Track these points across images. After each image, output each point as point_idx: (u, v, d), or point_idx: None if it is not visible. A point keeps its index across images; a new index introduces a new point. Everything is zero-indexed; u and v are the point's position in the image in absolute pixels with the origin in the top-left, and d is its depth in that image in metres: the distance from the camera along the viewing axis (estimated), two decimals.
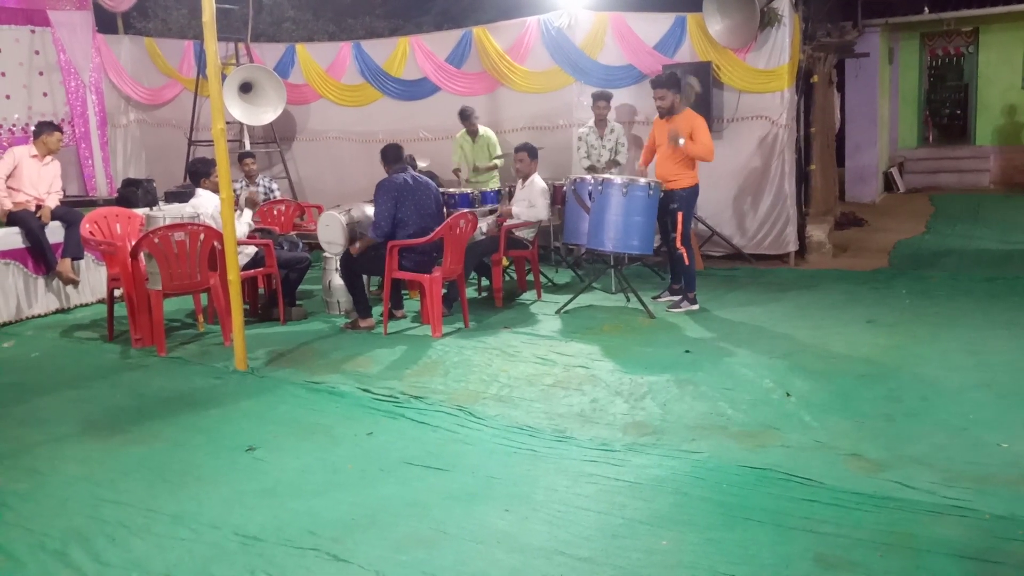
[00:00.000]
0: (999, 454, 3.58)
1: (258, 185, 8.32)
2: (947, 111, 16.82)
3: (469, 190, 7.60)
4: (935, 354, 5.04)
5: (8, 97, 9.50)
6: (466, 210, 6.51)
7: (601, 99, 7.96)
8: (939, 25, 13.35)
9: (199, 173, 6.38)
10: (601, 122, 8.00)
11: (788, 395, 4.42)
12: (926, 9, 12.65)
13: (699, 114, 6.48)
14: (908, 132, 14.88)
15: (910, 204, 12.21)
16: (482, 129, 8.70)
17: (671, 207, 6.36)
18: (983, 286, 6.84)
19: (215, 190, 6.21)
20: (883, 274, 7.53)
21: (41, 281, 7.11)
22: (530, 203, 7.01)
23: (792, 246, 8.07)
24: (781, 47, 7.73)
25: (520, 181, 7.19)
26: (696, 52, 8.04)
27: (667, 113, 6.41)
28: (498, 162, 8.57)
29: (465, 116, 8.58)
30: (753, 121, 7.97)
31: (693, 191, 6.47)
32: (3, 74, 9.49)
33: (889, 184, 13.68)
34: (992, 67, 14.02)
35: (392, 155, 6.16)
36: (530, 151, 7.05)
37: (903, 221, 10.58)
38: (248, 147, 9.78)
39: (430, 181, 6.26)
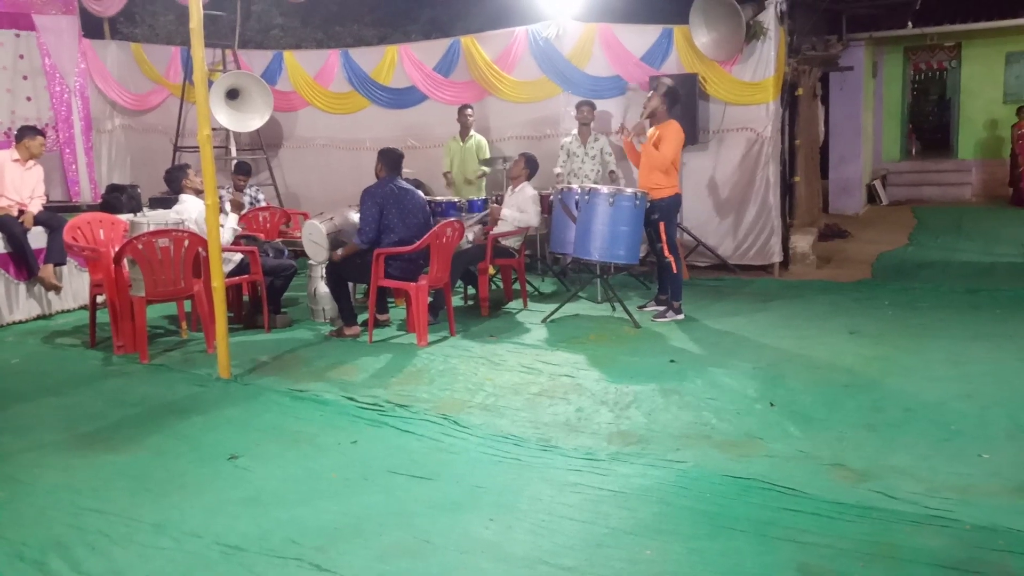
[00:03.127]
0: (981, 464, 3.61)
1: (244, 195, 8.29)
2: (930, 124, 17.03)
3: (456, 198, 7.61)
4: (918, 365, 5.07)
5: None
6: (453, 218, 6.51)
7: (585, 105, 7.99)
8: (922, 40, 13.52)
9: (176, 180, 6.34)
10: (584, 130, 8.01)
11: (772, 405, 4.43)
12: (910, 24, 12.80)
13: (681, 126, 6.50)
14: (891, 145, 15.04)
15: (893, 216, 12.33)
16: (474, 133, 8.71)
17: (652, 217, 6.39)
18: (965, 298, 6.90)
19: (197, 190, 6.18)
20: (866, 285, 7.59)
21: (23, 287, 7.04)
22: (519, 209, 7.02)
23: (776, 257, 8.13)
24: (767, 60, 7.80)
25: (510, 188, 7.20)
26: (683, 64, 8.10)
27: (649, 115, 6.46)
28: (485, 168, 8.57)
29: (462, 108, 8.64)
30: (738, 133, 8.03)
31: (674, 201, 6.50)
32: None
33: (872, 196, 13.80)
34: (974, 81, 14.21)
35: (391, 161, 6.12)
36: (528, 159, 7.07)
37: (886, 233, 10.67)
38: (234, 153, 9.75)
39: (416, 189, 6.26)
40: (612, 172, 8.01)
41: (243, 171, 8.31)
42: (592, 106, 8.00)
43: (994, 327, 5.89)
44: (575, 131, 8.10)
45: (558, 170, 8.07)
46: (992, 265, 8.32)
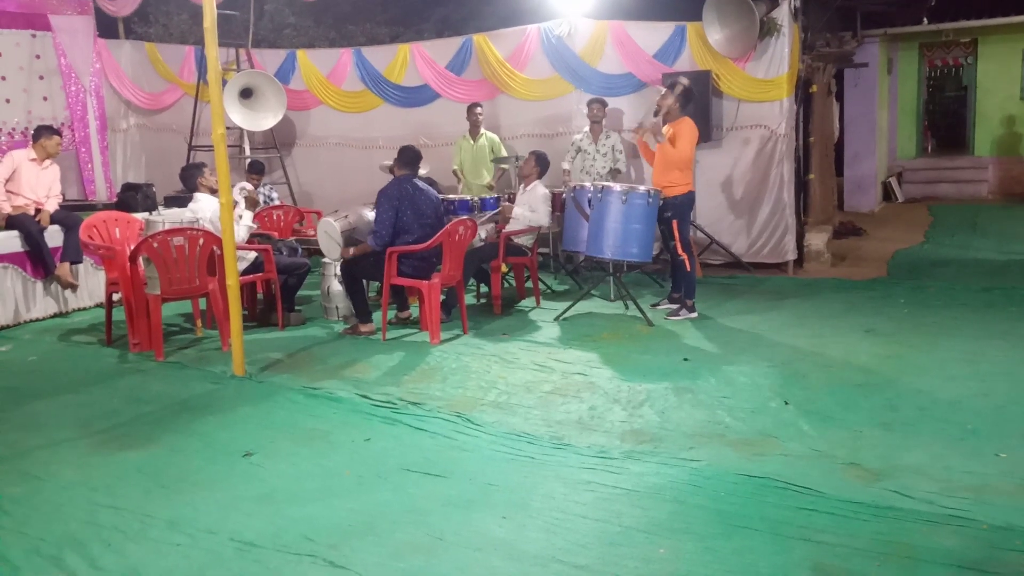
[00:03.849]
0: (997, 464, 3.58)
1: (259, 193, 8.33)
2: (946, 121, 16.88)
3: (469, 196, 7.61)
4: (933, 363, 5.04)
5: (8, 101, 9.49)
6: (465, 216, 6.52)
7: (595, 103, 7.96)
8: (938, 36, 13.41)
9: (191, 178, 6.38)
10: (596, 127, 8.00)
11: (786, 404, 4.41)
12: (925, 20, 12.70)
13: (695, 124, 6.48)
14: (907, 142, 14.92)
15: (908, 214, 12.24)
16: (485, 131, 8.72)
17: (665, 215, 6.38)
18: (981, 296, 6.84)
19: (212, 189, 6.22)
20: (881, 283, 7.54)
21: (39, 285, 7.11)
22: (531, 208, 7.01)
23: (791, 255, 8.08)
24: (780, 57, 7.76)
25: (522, 186, 7.20)
26: (696, 61, 8.07)
27: (659, 112, 6.45)
28: (504, 167, 8.55)
29: (471, 106, 8.65)
30: (752, 130, 7.99)
31: (688, 198, 6.48)
32: (3, 78, 9.47)
33: (888, 194, 13.71)
34: (990, 78, 14.07)
35: (408, 158, 6.15)
36: (538, 157, 7.06)
37: (901, 231, 10.60)
38: (248, 152, 9.79)
39: (430, 188, 6.27)
40: (618, 171, 7.97)
41: (256, 170, 8.36)
42: (603, 104, 7.98)
43: (1010, 326, 5.83)
44: (587, 128, 8.08)
45: (566, 166, 8.07)
46: (1008, 263, 8.24)
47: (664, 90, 6.54)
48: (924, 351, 5.30)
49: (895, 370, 4.93)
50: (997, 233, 10.04)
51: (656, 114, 6.56)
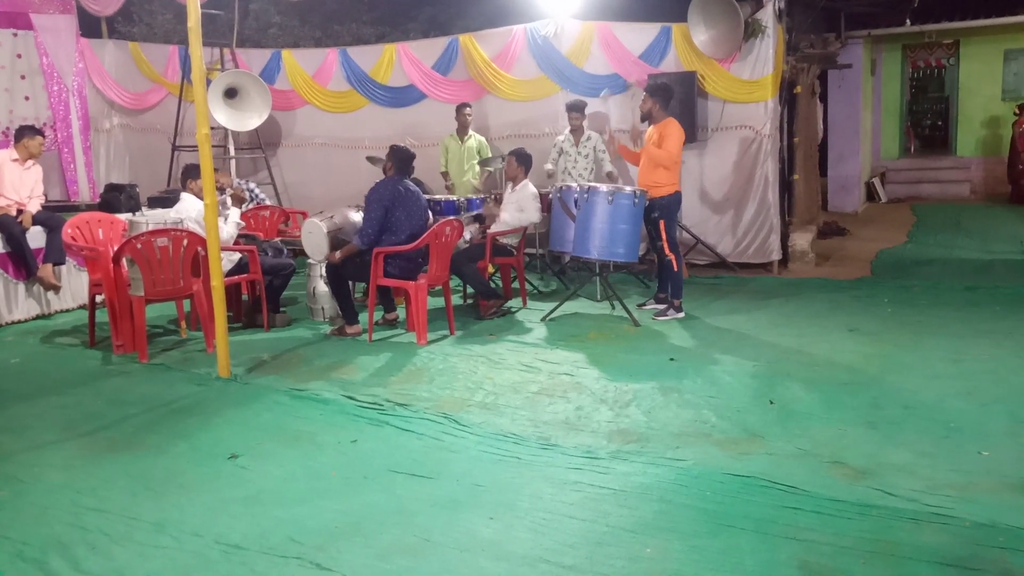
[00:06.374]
0: (980, 462, 3.61)
1: (243, 188, 8.28)
2: (929, 122, 17.02)
3: (455, 197, 7.61)
4: (917, 362, 5.08)
5: None
6: (451, 217, 6.51)
7: (574, 110, 7.98)
8: (921, 37, 13.53)
9: (186, 177, 6.38)
10: (577, 131, 8.03)
11: (772, 403, 4.44)
12: (908, 21, 12.80)
13: (680, 124, 6.51)
14: (890, 143, 15.03)
15: (892, 214, 12.33)
16: (473, 132, 8.72)
17: (652, 216, 6.40)
18: (964, 295, 6.91)
19: (199, 194, 6.19)
20: (865, 283, 7.59)
21: (22, 286, 7.04)
22: (520, 207, 7.00)
23: (775, 255, 8.12)
24: (765, 58, 7.80)
25: (510, 186, 7.19)
26: (681, 62, 8.10)
27: (645, 117, 6.49)
28: (489, 169, 8.55)
29: (460, 106, 8.64)
30: (737, 131, 8.03)
31: (674, 198, 6.51)
32: None
33: (871, 194, 13.81)
34: (973, 79, 14.20)
35: (400, 160, 6.12)
36: (519, 156, 7.05)
37: (885, 230, 10.67)
38: (233, 152, 9.74)
39: (419, 190, 6.26)
40: (609, 172, 8.00)
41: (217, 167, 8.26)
42: (581, 109, 7.98)
43: (993, 324, 5.89)
44: (568, 130, 8.10)
45: (549, 167, 8.08)
46: (991, 262, 8.32)
47: (644, 94, 6.57)
48: (908, 350, 5.35)
49: (879, 369, 4.97)
50: (980, 232, 10.13)
51: (643, 120, 6.59)
